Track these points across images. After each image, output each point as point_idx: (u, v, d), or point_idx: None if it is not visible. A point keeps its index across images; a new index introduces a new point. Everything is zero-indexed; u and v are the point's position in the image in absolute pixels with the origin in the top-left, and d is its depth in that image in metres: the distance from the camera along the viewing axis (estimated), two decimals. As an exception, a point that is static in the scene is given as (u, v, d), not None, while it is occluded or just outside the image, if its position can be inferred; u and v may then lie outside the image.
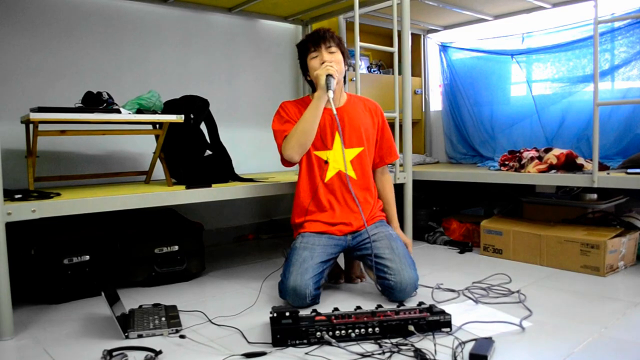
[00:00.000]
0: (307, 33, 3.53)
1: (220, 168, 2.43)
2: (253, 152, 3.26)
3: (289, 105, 2.14)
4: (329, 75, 1.98)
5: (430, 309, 1.60)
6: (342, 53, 2.10)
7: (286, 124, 2.08)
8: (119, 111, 2.06)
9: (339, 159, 2.07)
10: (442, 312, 1.59)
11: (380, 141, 2.22)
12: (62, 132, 2.08)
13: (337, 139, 2.06)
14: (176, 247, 2.32)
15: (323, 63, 2.03)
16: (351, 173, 2.10)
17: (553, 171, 2.54)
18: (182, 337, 1.61)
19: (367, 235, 2.02)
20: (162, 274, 2.28)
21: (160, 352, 1.47)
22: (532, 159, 2.65)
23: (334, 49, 2.07)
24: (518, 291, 1.98)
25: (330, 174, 2.08)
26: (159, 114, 2.19)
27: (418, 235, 3.09)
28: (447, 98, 3.86)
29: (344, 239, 2.06)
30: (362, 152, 2.12)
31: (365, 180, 2.13)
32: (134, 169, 2.69)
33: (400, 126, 2.79)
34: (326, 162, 2.07)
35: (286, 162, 2.10)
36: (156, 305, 1.87)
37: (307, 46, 2.10)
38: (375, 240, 2.00)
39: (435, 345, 1.47)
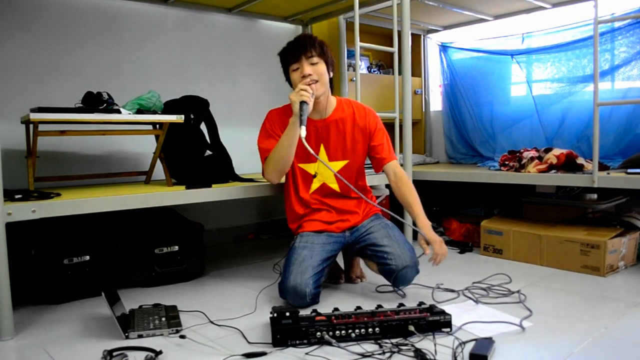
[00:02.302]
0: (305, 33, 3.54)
1: (220, 168, 2.43)
2: (253, 152, 3.23)
3: (275, 115, 2.09)
4: (302, 102, 1.86)
5: (431, 309, 1.60)
6: (326, 61, 1.99)
7: (269, 140, 2.04)
8: (119, 111, 2.06)
9: (323, 171, 2.07)
10: (443, 312, 1.59)
11: (373, 145, 2.11)
12: (62, 132, 2.08)
13: (322, 151, 2.05)
14: (176, 247, 2.32)
15: (303, 78, 1.93)
16: (334, 186, 2.09)
17: (553, 171, 2.54)
18: (182, 337, 1.61)
19: (365, 230, 2.06)
20: (162, 274, 2.28)
21: (160, 352, 1.47)
22: (532, 159, 2.65)
23: (315, 59, 1.95)
24: (518, 291, 1.98)
25: (314, 185, 2.08)
26: (159, 114, 2.19)
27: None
28: (447, 98, 3.86)
29: (342, 235, 2.07)
30: (346, 166, 2.08)
31: (349, 192, 2.09)
32: (134, 169, 2.69)
33: (400, 126, 2.79)
34: (314, 176, 2.07)
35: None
36: (156, 305, 1.87)
37: (287, 58, 1.99)
38: (372, 232, 2.04)
39: (435, 345, 1.47)
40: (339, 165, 2.08)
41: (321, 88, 1.97)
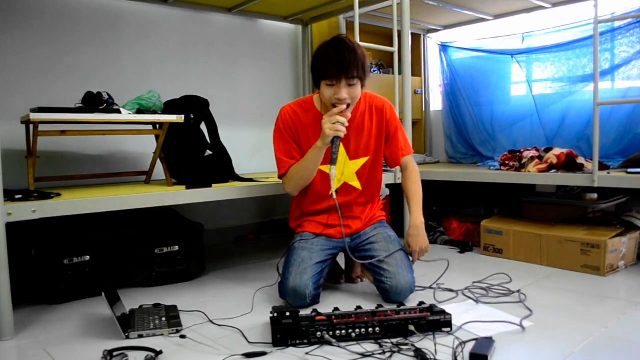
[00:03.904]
0: (307, 34, 3.54)
1: (220, 168, 2.43)
2: (253, 152, 3.26)
3: (289, 115, 1.99)
4: (336, 138, 1.82)
5: (431, 309, 1.60)
6: (364, 78, 1.87)
7: (286, 149, 1.98)
8: (119, 111, 2.06)
9: (344, 170, 2.02)
10: (443, 312, 1.59)
11: (389, 138, 2.07)
12: (62, 133, 2.08)
13: (342, 150, 1.99)
14: (176, 247, 2.32)
15: (337, 100, 1.82)
16: (356, 184, 2.05)
17: (553, 171, 2.54)
18: (182, 337, 1.61)
19: (366, 238, 2.03)
20: (162, 274, 2.28)
21: (160, 352, 1.47)
22: (532, 158, 2.65)
23: (354, 80, 1.82)
24: (518, 291, 1.98)
25: (335, 186, 2.01)
26: (159, 114, 2.19)
27: (418, 235, 3.09)
28: (447, 98, 3.86)
29: (342, 240, 2.05)
30: (367, 162, 2.04)
31: (370, 189, 2.09)
32: (134, 169, 2.69)
33: (401, 126, 2.79)
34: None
35: None
36: (156, 305, 1.87)
37: (325, 73, 1.82)
38: (373, 242, 2.01)
39: (435, 345, 1.47)
40: (359, 163, 2.04)
41: (351, 109, 1.91)
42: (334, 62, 1.80)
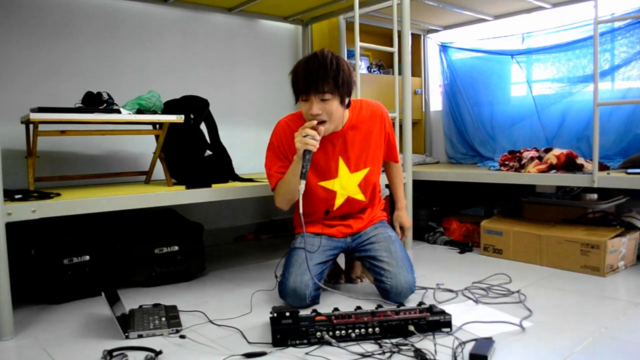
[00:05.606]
0: (307, 34, 3.54)
1: (220, 168, 2.44)
2: (253, 152, 3.25)
3: (283, 130, 1.96)
4: (306, 151, 1.77)
5: (431, 309, 1.60)
6: (341, 94, 1.79)
7: (277, 165, 1.96)
8: (119, 111, 2.06)
9: (346, 184, 2.00)
10: (442, 312, 1.59)
11: (388, 147, 2.12)
12: (62, 132, 2.08)
13: (342, 164, 1.98)
14: (176, 248, 2.32)
15: (309, 117, 1.80)
16: (360, 197, 2.04)
17: (553, 171, 2.54)
18: (182, 337, 1.61)
19: (367, 237, 2.03)
20: (162, 274, 2.28)
21: (160, 352, 1.47)
22: (532, 159, 2.65)
23: (327, 95, 1.76)
24: (518, 291, 1.98)
25: (339, 201, 2.02)
26: (159, 114, 2.19)
27: (418, 235, 3.09)
28: (447, 98, 3.86)
29: (343, 240, 2.06)
30: (368, 173, 2.02)
31: (372, 197, 2.10)
32: (134, 169, 2.69)
33: (400, 126, 2.79)
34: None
35: None
36: (156, 305, 1.87)
37: (297, 88, 1.82)
38: (373, 242, 2.01)
39: (435, 345, 1.47)
40: (361, 175, 2.01)
41: (331, 126, 1.84)
42: (302, 77, 1.78)
